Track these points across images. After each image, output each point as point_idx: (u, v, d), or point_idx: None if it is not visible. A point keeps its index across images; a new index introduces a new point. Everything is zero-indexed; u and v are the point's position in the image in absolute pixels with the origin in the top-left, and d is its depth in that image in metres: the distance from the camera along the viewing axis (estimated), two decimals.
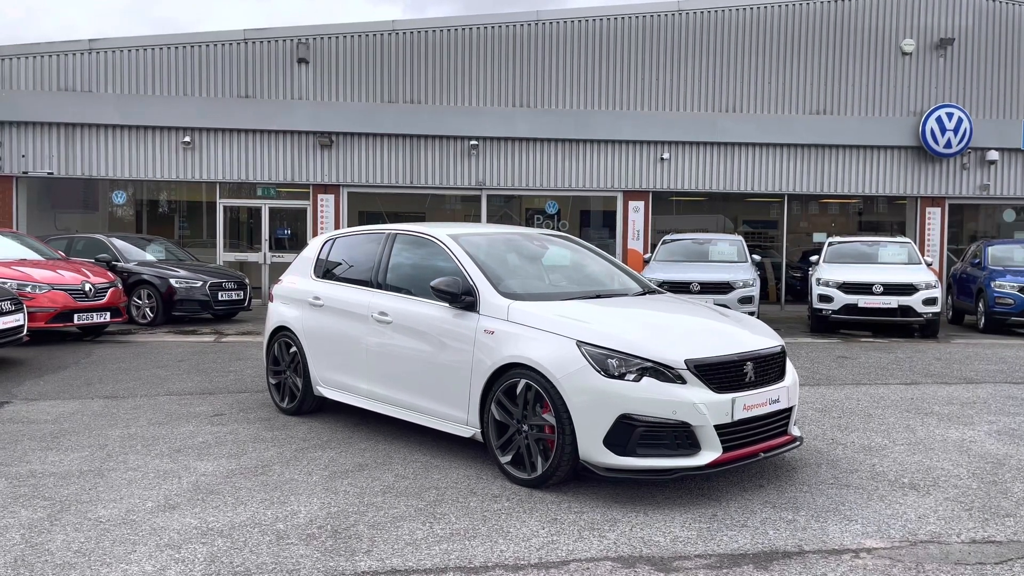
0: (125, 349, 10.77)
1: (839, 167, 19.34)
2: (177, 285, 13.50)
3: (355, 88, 18.26)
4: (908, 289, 13.10)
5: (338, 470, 5.23)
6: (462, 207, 20.11)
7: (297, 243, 18.59)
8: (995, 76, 19.37)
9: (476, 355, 5.12)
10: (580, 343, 4.67)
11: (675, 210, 22.19)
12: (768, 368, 5.01)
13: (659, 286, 12.86)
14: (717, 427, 4.58)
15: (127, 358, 9.97)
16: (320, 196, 18.36)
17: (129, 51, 17.87)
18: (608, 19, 18.67)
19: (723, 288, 12.97)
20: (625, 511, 4.45)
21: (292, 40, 18.10)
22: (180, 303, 13.50)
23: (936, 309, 13.06)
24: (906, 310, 13.03)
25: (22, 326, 9.48)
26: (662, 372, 4.57)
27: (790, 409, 5.11)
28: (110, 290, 11.65)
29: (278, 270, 18.22)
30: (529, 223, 20.04)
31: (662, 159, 18.91)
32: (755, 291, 13.05)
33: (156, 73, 17.89)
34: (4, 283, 10.73)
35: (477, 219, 18.99)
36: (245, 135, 18.14)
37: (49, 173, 17.88)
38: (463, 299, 5.30)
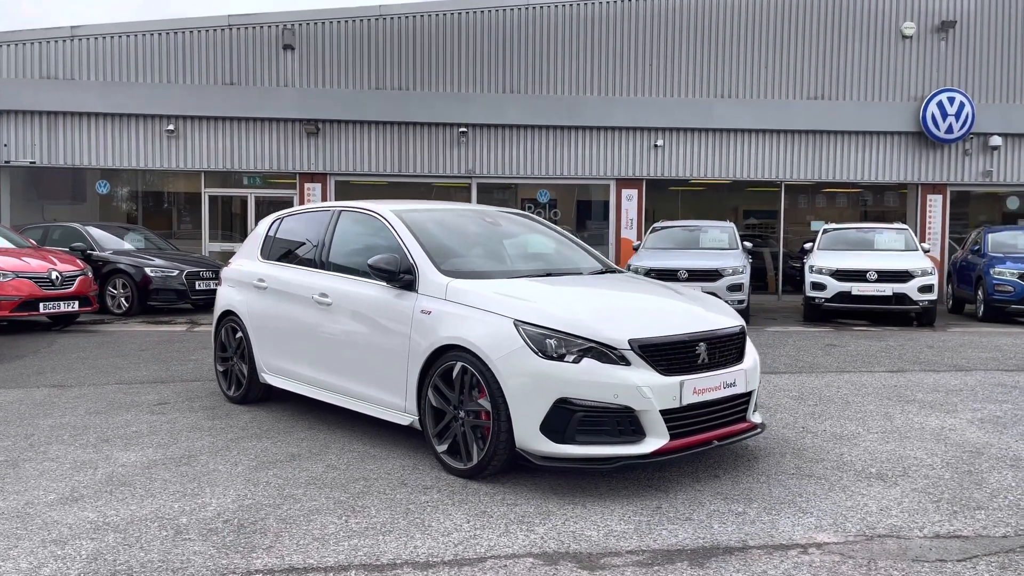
0: (90, 338, 10.48)
1: (837, 153, 18.90)
2: (152, 274, 13.20)
3: (342, 74, 17.92)
4: (903, 276, 12.69)
5: (267, 460, 4.90)
6: (455, 196, 19.75)
7: None
8: (998, 59, 18.87)
9: (413, 337, 4.79)
10: (518, 322, 4.32)
11: (678, 199, 21.83)
12: (724, 349, 4.65)
13: (646, 273, 12.67)
14: (664, 412, 4.23)
15: (89, 347, 9.68)
16: (307, 185, 18.04)
17: (112, 37, 17.57)
18: (599, 3, 18.26)
19: (711, 275, 12.58)
20: (563, 503, 4.11)
21: (278, 26, 17.77)
22: (156, 292, 13.20)
23: (932, 296, 12.65)
24: (901, 298, 12.62)
25: None
26: (605, 353, 4.22)
27: (749, 394, 4.75)
28: (79, 279, 11.36)
29: None
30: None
31: (656, 146, 18.52)
32: (744, 278, 12.66)
33: (139, 60, 17.59)
34: None
35: None
36: (230, 123, 17.83)
37: (32, 162, 17.62)
38: (401, 277, 4.96)
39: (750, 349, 4.94)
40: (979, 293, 13.96)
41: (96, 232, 14.18)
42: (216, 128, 17.82)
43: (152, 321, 12.58)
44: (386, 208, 5.52)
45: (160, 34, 17.61)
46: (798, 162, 18.91)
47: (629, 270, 12.91)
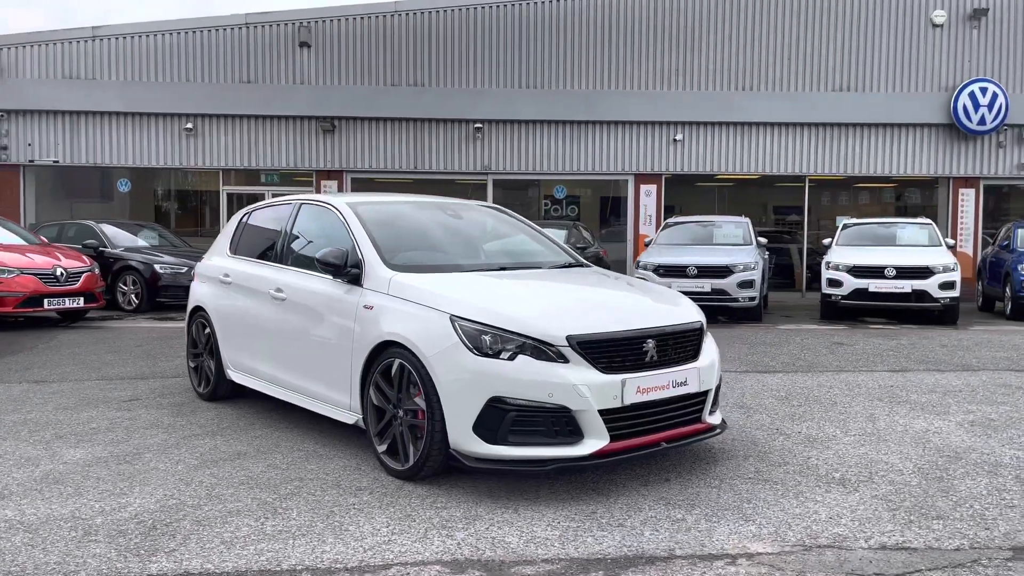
0: (91, 335, 10.54)
1: (865, 147, 18.36)
2: (162, 271, 13.29)
3: (358, 71, 17.89)
4: (923, 272, 12.22)
5: (212, 458, 4.80)
6: (473, 193, 19.60)
7: None
8: None
9: (356, 333, 4.64)
10: (454, 318, 4.15)
11: (705, 195, 21.43)
12: (677, 346, 4.42)
13: (654, 270, 12.40)
14: (604, 412, 4.02)
15: (86, 344, 9.73)
16: (324, 182, 18.05)
17: (132, 37, 17.76)
18: None
19: (721, 272, 12.26)
20: (494, 506, 3.92)
21: (294, 23, 17.80)
22: (165, 289, 13.29)
23: (954, 293, 12.16)
24: (921, 295, 12.16)
25: None
26: (542, 350, 4.02)
27: (705, 393, 4.51)
28: (84, 275, 11.45)
29: None
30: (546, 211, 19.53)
31: (675, 140, 18.17)
32: (755, 275, 12.30)
33: (158, 59, 17.76)
34: None
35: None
36: (247, 121, 17.91)
37: (55, 161, 17.90)
38: (347, 271, 4.82)
39: (709, 346, 4.70)
40: (1007, 290, 13.41)
41: (109, 229, 14.33)
42: (234, 126, 17.91)
43: (160, 317, 12.66)
44: (341, 200, 5.39)
45: (178, 33, 17.76)
46: (823, 156, 18.41)
47: (639, 267, 12.66)
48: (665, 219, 16.01)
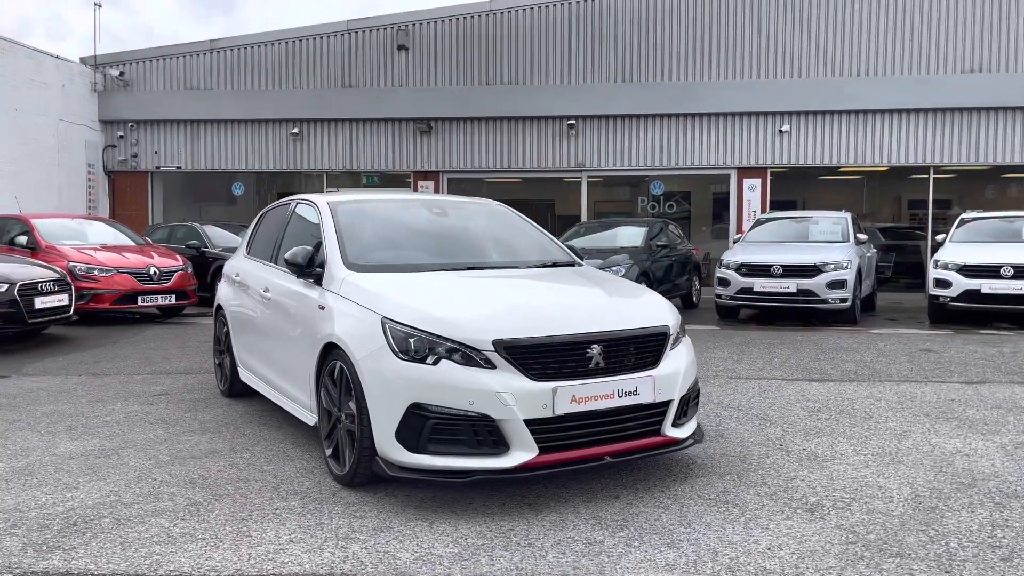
0: (174, 330, 11.12)
1: (998, 133, 16.70)
2: None
3: (453, 72, 18.05)
4: None
5: (183, 456, 4.88)
6: (568, 190, 19.34)
7: None
8: None
9: (311, 334, 4.58)
10: (385, 320, 4.00)
11: (821, 188, 20.23)
12: (630, 353, 4.07)
13: (736, 269, 11.74)
14: (533, 422, 3.75)
15: (164, 338, 10.26)
16: (420, 183, 18.33)
17: (245, 48, 18.70)
18: None
19: (809, 271, 11.42)
20: (412, 518, 3.75)
21: (392, 27, 18.18)
22: None
23: None
24: None
25: (68, 306, 9.99)
26: (471, 356, 3.80)
27: (665, 404, 4.13)
28: (176, 274, 12.11)
29: None
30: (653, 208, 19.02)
31: (781, 131, 17.20)
32: (848, 274, 11.37)
33: (268, 68, 18.61)
34: (75, 266, 11.44)
35: (577, 202, 18.20)
36: (349, 124, 18.46)
37: (178, 167, 19.12)
38: (310, 271, 4.78)
39: (678, 353, 4.31)
40: None
41: (212, 231, 15.10)
42: (336, 130, 18.51)
43: None
44: (323, 199, 5.37)
45: (286, 42, 18.53)
46: (951, 144, 16.91)
47: (721, 266, 12.03)
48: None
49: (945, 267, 11.61)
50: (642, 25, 17.39)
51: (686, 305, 14.46)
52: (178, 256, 12.69)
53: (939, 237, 13.23)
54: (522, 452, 3.76)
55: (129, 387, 7.11)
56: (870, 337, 10.13)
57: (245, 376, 6.11)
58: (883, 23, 16.76)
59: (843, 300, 11.36)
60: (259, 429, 5.51)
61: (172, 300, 12.02)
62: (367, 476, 4.07)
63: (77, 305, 11.12)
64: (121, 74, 19.03)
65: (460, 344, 3.81)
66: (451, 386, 3.75)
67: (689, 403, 4.36)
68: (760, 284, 11.63)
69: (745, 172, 17.49)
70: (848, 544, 3.40)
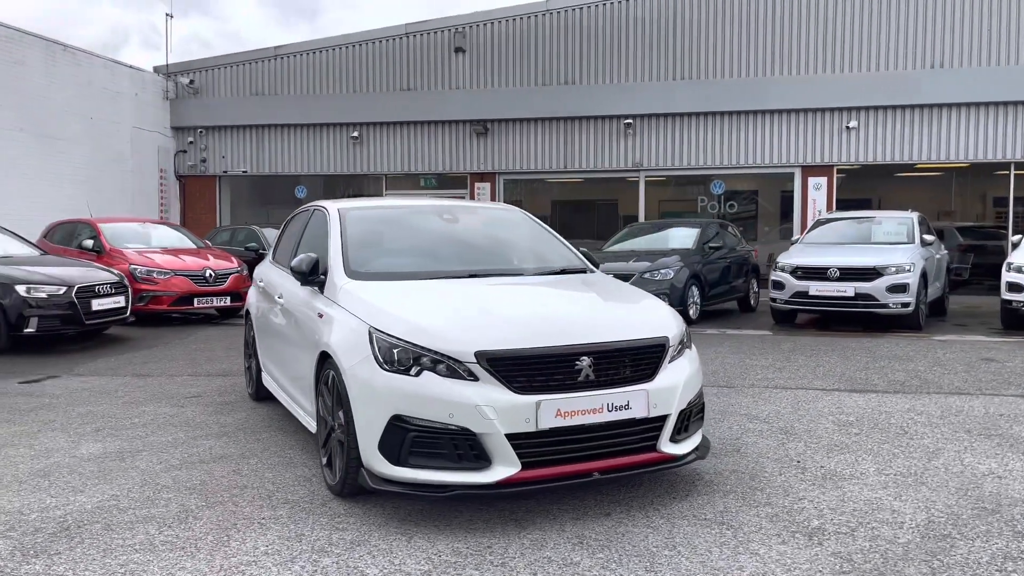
0: (226, 331, 11.38)
1: None
2: None
3: (509, 73, 18.01)
4: None
5: (192, 461, 4.94)
6: (626, 190, 19.06)
7: None
8: None
9: (311, 341, 4.58)
10: (372, 329, 3.96)
11: (898, 186, 19.41)
12: (625, 365, 3.92)
13: (791, 272, 11.33)
14: (516, 437, 3.65)
15: (213, 339, 10.52)
16: (477, 184, 18.36)
17: (307, 54, 19.08)
18: None
19: (868, 274, 10.92)
20: (392, 532, 3.69)
21: (449, 30, 18.26)
22: None
23: None
24: None
25: (124, 307, 10.35)
26: (453, 367, 3.72)
27: (661, 419, 3.96)
28: (232, 276, 12.42)
29: None
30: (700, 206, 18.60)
31: (848, 128, 16.57)
32: (910, 278, 10.83)
33: (329, 73, 18.93)
34: (136, 269, 11.85)
35: (634, 203, 17.92)
36: (407, 127, 18.61)
37: (244, 171, 19.64)
38: (313, 279, 4.78)
39: (678, 365, 4.13)
40: None
41: (271, 233, 15.44)
42: (395, 133, 18.69)
43: None
44: (335, 206, 5.37)
45: (346, 47, 18.82)
46: None
47: (775, 268, 11.64)
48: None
49: (1019, 270, 10.95)
50: (700, 21, 17.00)
51: (743, 308, 14.05)
52: (233, 258, 13.01)
53: (1015, 238, 12.50)
54: (504, 467, 3.66)
55: (166, 389, 7.28)
56: (930, 344, 9.62)
57: (266, 380, 6.18)
58: (956, 11, 15.95)
59: (905, 305, 10.83)
60: (274, 434, 5.56)
61: (227, 302, 12.32)
62: (354, 487, 4.03)
63: (137, 307, 11.53)
64: (191, 82, 19.66)
65: (443, 356, 3.74)
66: (432, 398, 3.68)
67: (691, 417, 4.18)
68: (816, 288, 11.18)
69: (810, 170, 16.90)
70: (840, 574, 3.19)
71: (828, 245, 12.13)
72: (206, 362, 8.77)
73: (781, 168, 17.06)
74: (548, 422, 3.67)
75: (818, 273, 11.20)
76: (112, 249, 12.41)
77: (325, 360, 4.33)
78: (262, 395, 6.53)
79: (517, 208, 5.90)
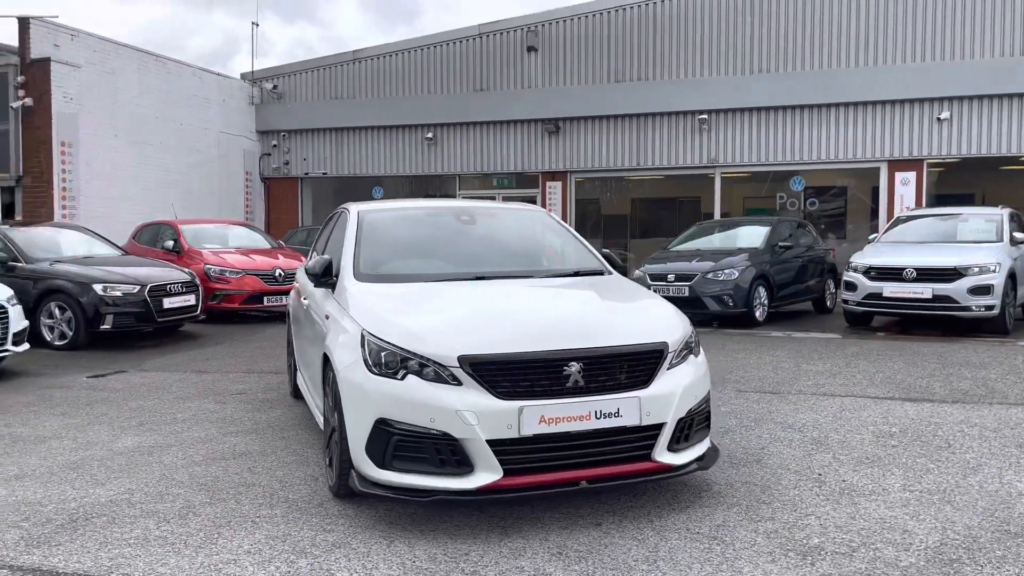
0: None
1: None
2: None
3: (581, 71, 17.86)
4: None
5: (214, 457, 5.08)
6: (703, 187, 18.60)
7: None
8: None
9: (320, 342, 4.64)
10: (364, 332, 3.97)
11: (1005, 181, 18.29)
12: (619, 371, 3.80)
13: (864, 273, 10.82)
14: (498, 443, 3.59)
15: (277, 338, 10.81)
16: (548, 183, 18.28)
17: (384, 57, 19.42)
18: None
19: (948, 275, 10.29)
20: (375, 535, 3.69)
21: (522, 29, 18.24)
22: None
23: None
24: None
25: (195, 306, 10.79)
26: (438, 372, 3.69)
27: (657, 427, 3.82)
28: None
29: None
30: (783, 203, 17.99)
31: (939, 119, 15.68)
32: (996, 279, 10.13)
33: (405, 75, 19.21)
34: (210, 268, 12.34)
35: (725, 199, 17.47)
36: (480, 127, 18.70)
37: (324, 173, 20.17)
38: (325, 280, 4.85)
39: (680, 371, 3.97)
40: None
41: None
42: (468, 133, 18.81)
43: None
44: (356, 208, 5.43)
45: (421, 49, 19.06)
46: None
47: (849, 268, 11.12)
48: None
49: None
50: (776, 11, 16.42)
51: (818, 310, 13.51)
52: (303, 257, 13.34)
53: None
54: (486, 474, 3.60)
55: (217, 385, 7.53)
56: (1012, 351, 9.00)
57: (299, 379, 6.31)
58: None
59: (989, 308, 10.17)
60: (300, 433, 5.66)
61: None
62: (348, 488, 4.05)
63: (210, 305, 12.00)
64: (274, 87, 20.33)
65: (427, 359, 3.72)
66: (414, 402, 3.66)
67: (692, 426, 4.02)
68: (890, 289, 10.62)
69: (897, 165, 16.08)
70: None
71: (906, 244, 11.50)
72: (263, 359, 9.03)
73: (865, 163, 16.30)
74: (531, 429, 3.60)
75: (893, 274, 10.64)
76: (190, 249, 12.95)
77: (328, 361, 4.37)
78: (299, 393, 6.67)
79: (541, 209, 5.83)
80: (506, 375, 3.66)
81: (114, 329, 9.98)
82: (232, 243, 13.71)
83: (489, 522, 3.82)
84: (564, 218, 18.11)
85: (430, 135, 18.92)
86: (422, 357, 3.72)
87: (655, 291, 11.51)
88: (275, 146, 20.44)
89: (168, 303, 10.36)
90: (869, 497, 4.10)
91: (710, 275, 11.28)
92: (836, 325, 11.64)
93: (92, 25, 53.65)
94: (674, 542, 3.55)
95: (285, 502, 4.19)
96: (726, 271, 11.28)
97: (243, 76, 20.53)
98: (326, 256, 4.93)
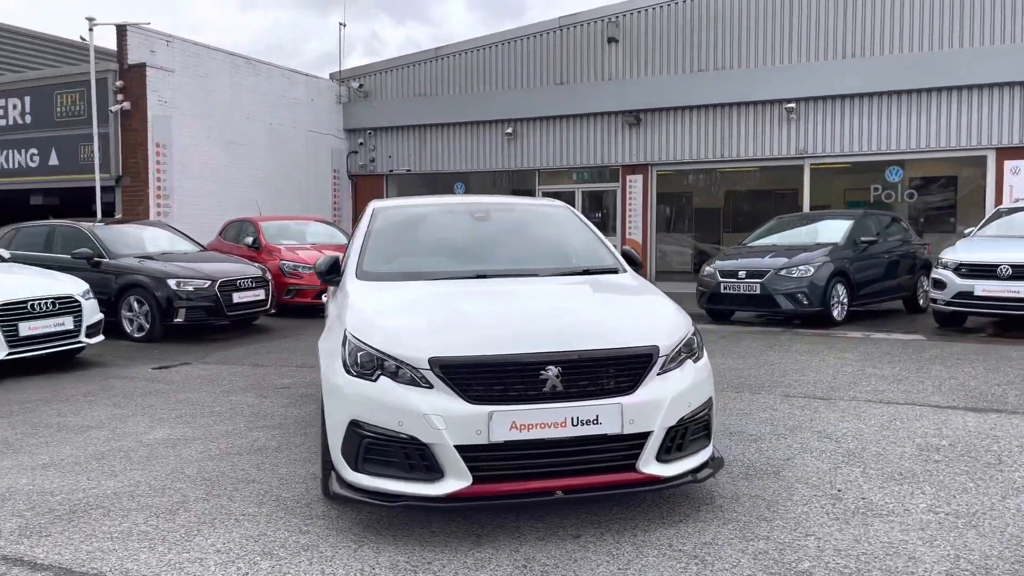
0: None
1: None
2: None
3: (663, 61, 17.38)
4: None
5: (232, 451, 5.16)
6: (788, 177, 17.77)
7: (607, 227, 18.43)
8: None
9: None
10: (347, 332, 3.91)
11: None
12: (604, 376, 3.59)
13: (955, 270, 10.07)
14: (465, 448, 3.45)
15: None
16: (628, 177, 17.90)
17: (465, 53, 19.48)
18: None
19: None
20: (352, 538, 3.63)
21: (602, 20, 17.92)
22: None
23: None
24: None
25: (264, 300, 11.10)
26: (411, 374, 3.59)
27: (642, 436, 3.59)
28: None
29: None
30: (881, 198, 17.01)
31: None
32: None
33: (485, 71, 19.22)
34: (284, 264, 12.68)
35: (825, 190, 16.68)
36: (559, 121, 18.49)
37: (407, 170, 20.43)
38: (331, 278, 4.84)
39: (672, 376, 3.72)
40: None
41: None
42: (547, 127, 18.64)
43: None
44: (374, 205, 5.40)
45: (501, 44, 19.01)
46: None
47: (938, 265, 10.38)
48: None
49: None
50: None
51: (909, 309, 12.68)
52: None
53: None
54: (455, 480, 3.48)
55: (267, 379, 7.69)
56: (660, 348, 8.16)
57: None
58: None
59: None
60: (317, 430, 5.67)
61: None
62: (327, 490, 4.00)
63: (284, 299, 12.34)
64: (360, 86, 20.72)
65: (401, 361, 3.61)
66: (384, 404, 3.57)
67: (687, 435, 3.76)
68: (982, 287, 9.83)
69: (1006, 153, 14.91)
70: None
71: (1005, 239, 10.61)
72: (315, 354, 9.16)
73: (970, 151, 15.18)
74: (502, 435, 3.44)
75: (986, 270, 9.84)
76: (267, 245, 13.34)
77: None
78: None
79: (564, 205, 5.61)
80: (478, 378, 3.52)
81: (187, 322, 10.37)
82: (309, 239, 14.04)
83: (467, 530, 3.69)
84: (644, 212, 17.72)
85: (510, 130, 18.86)
86: (395, 359, 3.63)
87: (725, 289, 11.15)
88: (361, 144, 20.84)
89: (238, 298, 10.68)
90: (885, 518, 3.74)
91: (783, 272, 10.74)
92: (925, 326, 10.88)
93: (217, 32, 56.50)
94: (650, 559, 3.33)
95: (276, 500, 4.18)
96: (801, 267, 10.72)
97: (331, 76, 21.02)
98: (334, 254, 4.92)
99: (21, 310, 8.04)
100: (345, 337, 3.87)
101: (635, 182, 17.79)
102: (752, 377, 7.24)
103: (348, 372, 3.74)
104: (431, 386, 3.54)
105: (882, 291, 11.84)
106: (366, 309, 4.07)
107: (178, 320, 10.29)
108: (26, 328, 8.05)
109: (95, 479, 4.62)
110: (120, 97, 15.97)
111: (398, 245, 5.00)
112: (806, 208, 16.39)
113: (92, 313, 8.83)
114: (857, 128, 15.79)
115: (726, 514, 3.82)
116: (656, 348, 3.72)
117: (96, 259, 10.76)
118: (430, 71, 19.89)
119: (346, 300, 4.32)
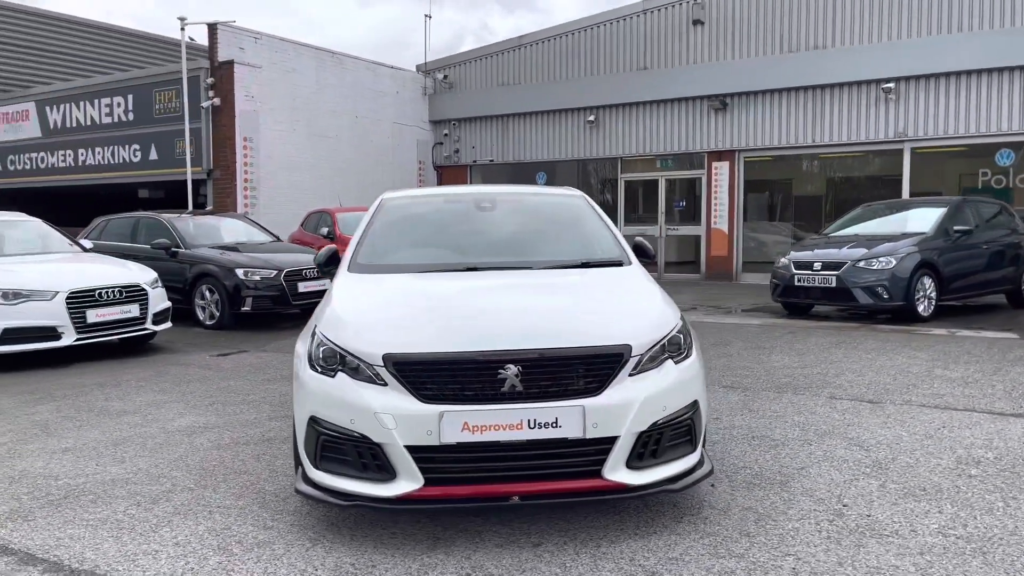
0: None
1: None
2: None
3: (750, 43, 16.66)
4: None
5: (243, 441, 5.20)
6: (921, 163, 16.67)
7: (691, 216, 17.84)
8: None
9: None
10: (315, 327, 3.84)
11: None
12: (572, 376, 3.36)
13: None
14: (416, 449, 3.31)
15: None
16: (714, 164, 17.26)
17: (547, 41, 19.26)
18: None
19: None
20: (311, 536, 3.56)
21: (688, 2, 17.33)
22: None
23: None
24: None
25: (324, 291, 11.26)
26: (367, 371, 3.47)
27: (608, 440, 3.34)
28: None
29: (672, 243, 17.85)
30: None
31: None
32: None
33: (567, 58, 18.95)
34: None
35: (937, 176, 15.60)
36: (642, 107, 18.04)
37: (490, 160, 20.41)
38: (328, 270, 4.78)
39: (647, 377, 3.45)
40: None
41: None
42: (630, 114, 18.21)
43: None
44: (384, 195, 5.32)
45: (584, 30, 18.68)
46: None
47: None
48: None
49: None
50: None
51: (1014, 304, 11.66)
52: None
53: None
54: (407, 482, 3.33)
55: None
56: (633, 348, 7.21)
57: None
58: None
59: None
60: None
61: None
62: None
63: None
64: (445, 77, 20.83)
65: (357, 357, 3.50)
66: (338, 401, 3.46)
67: (662, 441, 3.49)
68: None
69: None
70: None
71: None
72: None
73: None
74: (453, 436, 3.28)
75: None
76: (341, 235, 13.56)
77: None
78: None
79: (579, 194, 5.35)
80: (432, 376, 3.37)
81: (254, 311, 10.66)
82: None
83: (428, 532, 3.55)
84: (731, 200, 17.04)
85: (591, 117, 18.52)
86: (353, 355, 3.52)
87: (800, 281, 10.52)
88: (446, 135, 20.95)
89: (303, 287, 10.89)
90: (884, 539, 3.36)
91: (862, 263, 10.05)
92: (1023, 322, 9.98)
93: (331, 28, 58.34)
94: (603, 573, 3.09)
95: (256, 493, 4.16)
96: (882, 259, 10.00)
97: (417, 68, 21.21)
98: (331, 246, 4.86)
99: (89, 297, 8.42)
100: (313, 332, 3.80)
101: (721, 169, 17.13)
102: (802, 376, 6.78)
103: (313, 368, 3.66)
104: (385, 384, 3.41)
105: (980, 284, 10.93)
106: (341, 303, 3.99)
107: (245, 309, 10.59)
108: (93, 315, 8.43)
109: (103, 465, 4.74)
110: (211, 93, 16.59)
111: (397, 236, 4.90)
112: (906, 195, 15.36)
113: (159, 301, 9.17)
114: (964, 108, 14.65)
115: (707, 527, 3.52)
116: (628, 347, 3.46)
117: (173, 249, 11.20)
118: (513, 60, 19.77)
119: (329, 293, 4.25)
